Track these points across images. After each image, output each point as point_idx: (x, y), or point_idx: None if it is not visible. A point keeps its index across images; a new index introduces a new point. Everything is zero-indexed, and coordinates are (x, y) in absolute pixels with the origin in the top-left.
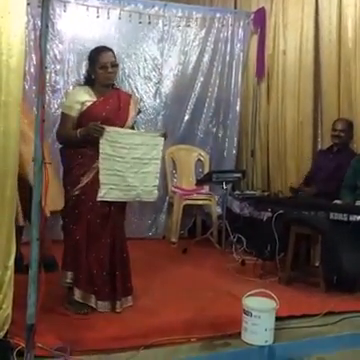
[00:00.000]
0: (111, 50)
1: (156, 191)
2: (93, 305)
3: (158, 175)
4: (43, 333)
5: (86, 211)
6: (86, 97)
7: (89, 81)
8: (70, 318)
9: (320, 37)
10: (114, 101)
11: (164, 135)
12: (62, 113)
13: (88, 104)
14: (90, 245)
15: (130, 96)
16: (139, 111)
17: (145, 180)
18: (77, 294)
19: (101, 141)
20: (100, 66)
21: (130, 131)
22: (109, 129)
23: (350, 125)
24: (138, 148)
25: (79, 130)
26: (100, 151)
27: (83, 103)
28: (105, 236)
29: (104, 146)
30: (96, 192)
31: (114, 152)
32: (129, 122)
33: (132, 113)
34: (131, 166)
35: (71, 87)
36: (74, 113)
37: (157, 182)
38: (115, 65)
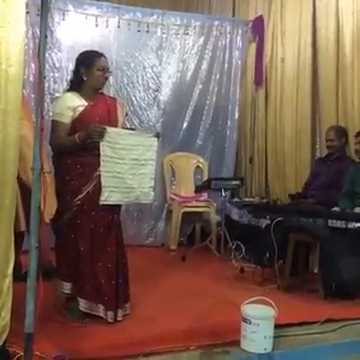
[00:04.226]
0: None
1: (152, 192)
2: (102, 315)
3: (153, 176)
4: (41, 341)
5: (89, 221)
6: (77, 102)
7: (77, 85)
8: (68, 326)
9: (318, 45)
10: (103, 105)
11: (157, 135)
12: (53, 121)
13: (80, 109)
14: (95, 255)
15: (115, 100)
16: (126, 114)
17: (142, 181)
18: (82, 304)
19: (101, 143)
20: (99, 68)
21: (128, 131)
22: (110, 130)
23: (341, 132)
24: (135, 149)
25: (78, 134)
26: (101, 153)
27: (75, 109)
28: (110, 244)
29: (104, 148)
30: (98, 201)
31: (114, 153)
32: (119, 126)
33: (121, 118)
34: (130, 167)
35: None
36: (66, 120)
37: (153, 183)
38: (109, 71)
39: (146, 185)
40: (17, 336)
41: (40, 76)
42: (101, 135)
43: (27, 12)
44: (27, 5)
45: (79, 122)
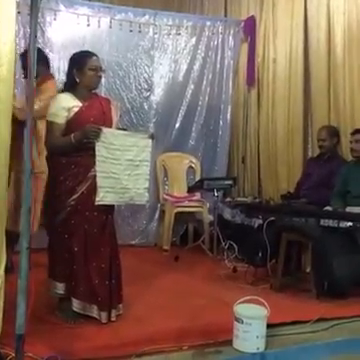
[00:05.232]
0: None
1: (147, 193)
2: (95, 316)
3: (148, 177)
4: (34, 342)
5: (83, 221)
6: (72, 103)
7: (71, 86)
8: (61, 327)
9: (309, 45)
10: (98, 106)
11: (151, 136)
12: (48, 121)
13: (75, 110)
14: (89, 255)
15: (109, 101)
16: (120, 116)
17: (137, 182)
18: (76, 305)
19: (97, 144)
20: (91, 68)
21: (122, 132)
22: (105, 130)
23: (332, 132)
24: (130, 149)
25: (73, 134)
26: (96, 153)
27: (70, 109)
28: (104, 245)
29: (100, 148)
30: (92, 201)
31: (109, 154)
32: (113, 127)
33: (115, 118)
34: (125, 168)
35: None
36: (61, 120)
37: (147, 184)
38: (102, 70)
39: (141, 186)
40: (9, 337)
41: (30, 76)
42: (97, 135)
43: (18, 12)
44: (18, 5)
45: (74, 123)
